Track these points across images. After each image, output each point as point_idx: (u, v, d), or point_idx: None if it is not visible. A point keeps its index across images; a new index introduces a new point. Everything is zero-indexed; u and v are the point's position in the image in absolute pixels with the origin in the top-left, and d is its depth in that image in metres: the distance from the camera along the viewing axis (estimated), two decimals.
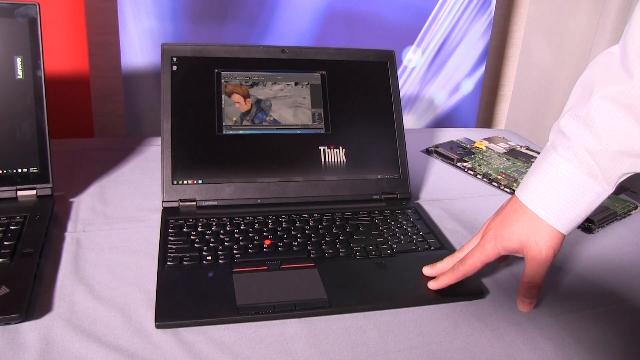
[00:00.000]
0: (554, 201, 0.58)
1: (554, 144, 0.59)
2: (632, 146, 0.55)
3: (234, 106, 0.79)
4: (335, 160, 0.81)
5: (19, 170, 0.74)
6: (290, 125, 0.81)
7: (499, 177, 0.96)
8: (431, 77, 1.52)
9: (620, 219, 0.85)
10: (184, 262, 0.64)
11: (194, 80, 0.79)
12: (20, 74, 0.73)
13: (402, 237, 0.73)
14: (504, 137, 1.16)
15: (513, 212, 0.61)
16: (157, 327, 0.55)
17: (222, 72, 0.80)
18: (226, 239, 0.69)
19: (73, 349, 0.52)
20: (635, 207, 0.87)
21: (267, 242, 0.69)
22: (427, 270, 0.66)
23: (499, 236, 0.61)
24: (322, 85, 0.83)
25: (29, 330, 0.53)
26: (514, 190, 0.91)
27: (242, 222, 0.72)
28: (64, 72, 1.15)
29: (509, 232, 0.60)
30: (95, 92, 1.30)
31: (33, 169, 0.75)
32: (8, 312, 0.53)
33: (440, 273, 0.64)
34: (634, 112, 0.54)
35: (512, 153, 1.07)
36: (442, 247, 0.72)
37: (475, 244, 0.63)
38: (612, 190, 0.57)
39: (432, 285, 0.63)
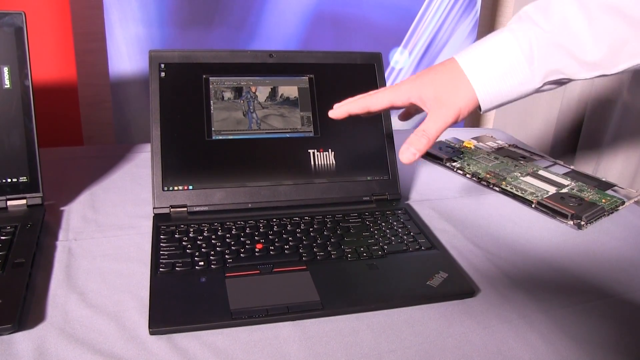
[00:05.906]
0: (485, 67, 0.59)
1: (509, 22, 0.61)
2: (572, 44, 0.56)
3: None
4: (325, 163, 0.82)
5: (9, 180, 0.74)
6: (279, 129, 0.81)
7: (488, 176, 0.97)
8: None
9: (608, 215, 0.86)
10: (177, 268, 0.64)
11: (182, 86, 0.79)
12: (7, 83, 0.73)
13: (392, 238, 0.73)
14: (492, 136, 1.17)
15: (442, 66, 0.61)
16: (151, 333, 0.55)
17: (210, 78, 0.80)
18: (218, 244, 0.69)
19: (67, 357, 0.52)
20: (622, 203, 0.88)
21: (259, 246, 0.69)
22: (335, 105, 0.66)
23: (418, 78, 0.61)
24: (310, 89, 0.83)
25: (23, 340, 0.53)
26: (503, 189, 0.92)
27: (233, 227, 0.72)
28: (51, 80, 1.14)
29: (430, 77, 0.60)
30: (83, 100, 1.29)
31: (23, 179, 0.75)
32: (0, 323, 0.53)
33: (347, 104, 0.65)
34: (588, 13, 0.56)
35: (501, 152, 1.08)
36: (433, 247, 0.72)
37: None
38: (537, 86, 0.59)
39: (331, 113, 0.62)
